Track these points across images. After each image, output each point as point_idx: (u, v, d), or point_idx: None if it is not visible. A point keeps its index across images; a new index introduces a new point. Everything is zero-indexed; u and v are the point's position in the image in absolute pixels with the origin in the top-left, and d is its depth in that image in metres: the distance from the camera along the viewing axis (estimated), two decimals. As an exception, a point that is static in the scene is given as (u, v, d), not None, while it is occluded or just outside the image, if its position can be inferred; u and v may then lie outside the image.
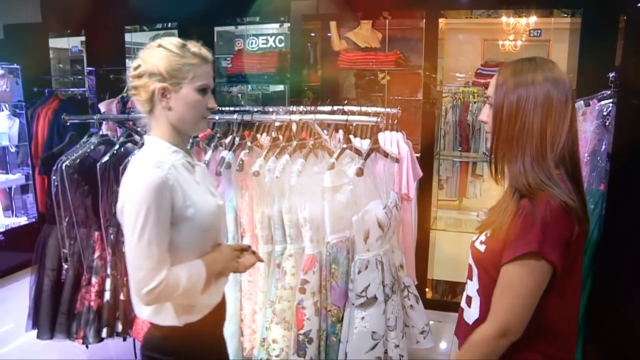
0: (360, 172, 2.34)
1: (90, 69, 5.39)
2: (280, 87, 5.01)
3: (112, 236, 2.94)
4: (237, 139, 2.68)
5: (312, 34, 4.97)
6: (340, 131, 2.83)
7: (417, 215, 3.25)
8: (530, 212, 1.38)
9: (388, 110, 2.92)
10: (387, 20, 5.11)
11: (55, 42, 5.95)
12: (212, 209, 1.76)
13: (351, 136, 2.74)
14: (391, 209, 2.50)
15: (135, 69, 1.69)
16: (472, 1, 4.13)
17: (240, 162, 2.54)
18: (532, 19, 5.90)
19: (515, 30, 6.52)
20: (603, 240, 2.55)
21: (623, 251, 2.50)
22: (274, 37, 5.68)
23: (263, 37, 5.83)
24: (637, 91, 2.38)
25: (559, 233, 1.36)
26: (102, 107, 4.76)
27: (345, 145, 2.49)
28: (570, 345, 1.53)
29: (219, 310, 1.87)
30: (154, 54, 1.67)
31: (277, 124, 2.70)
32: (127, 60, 5.79)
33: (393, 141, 2.87)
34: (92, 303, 2.96)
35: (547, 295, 1.41)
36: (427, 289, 4.33)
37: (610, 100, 2.78)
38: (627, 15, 2.48)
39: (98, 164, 2.83)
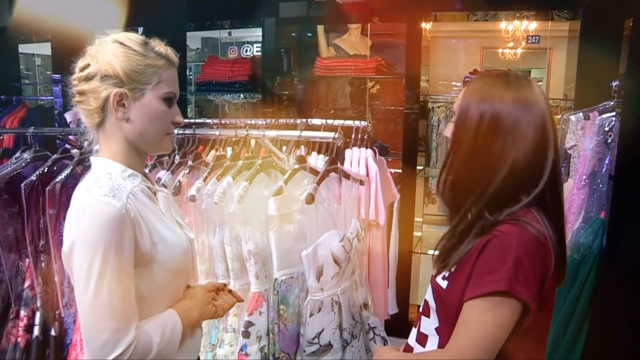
0: (310, 199, 1.98)
1: (56, 76, 5.07)
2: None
3: (43, 264, 2.61)
4: (177, 156, 2.33)
5: (291, 39, 4.67)
6: (303, 147, 2.49)
7: (399, 238, 2.91)
8: (499, 244, 1.22)
9: (356, 123, 2.58)
10: (369, 26, 4.84)
11: (24, 48, 5.70)
12: (184, 245, 1.45)
13: (314, 154, 2.42)
14: (351, 241, 2.15)
15: (82, 69, 1.35)
16: (462, 4, 3.78)
17: (177, 184, 2.19)
18: (532, 25, 5.69)
19: (514, 37, 6.33)
20: (603, 276, 2.25)
21: (626, 289, 2.22)
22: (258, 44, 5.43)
23: (257, 44, 5.58)
24: None
25: (533, 268, 1.20)
26: (68, 116, 4.45)
27: (297, 166, 2.14)
28: None
29: None
30: (109, 51, 1.34)
31: (234, 139, 2.36)
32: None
33: (361, 159, 2.53)
34: (19, 339, 2.63)
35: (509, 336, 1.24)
36: (410, 317, 3.99)
37: (613, 113, 2.50)
38: (634, 18, 2.21)
39: (23, 184, 2.49)
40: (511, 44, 6.66)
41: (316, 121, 2.76)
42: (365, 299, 2.32)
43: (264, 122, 2.67)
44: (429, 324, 1.41)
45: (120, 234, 1.25)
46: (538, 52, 7.01)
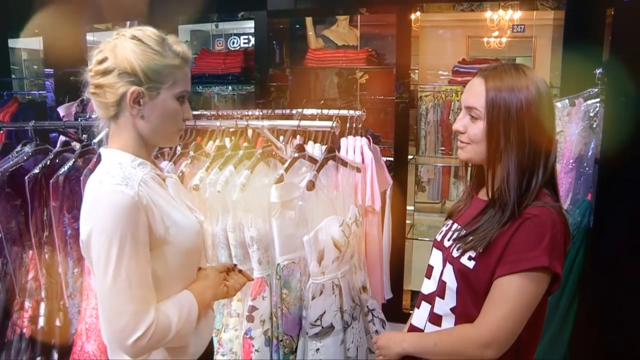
0: (311, 186, 2.05)
1: (48, 70, 5.08)
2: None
3: (47, 255, 2.65)
4: (179, 147, 2.39)
5: (281, 31, 4.71)
6: (299, 137, 2.55)
7: (392, 225, 3.00)
8: (535, 225, 1.32)
9: (351, 112, 2.64)
10: (359, 17, 4.89)
11: (14, 43, 5.68)
12: (195, 227, 1.50)
13: (310, 142, 2.48)
14: (350, 226, 2.23)
15: (100, 62, 1.36)
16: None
17: (180, 174, 2.25)
18: (516, 14, 5.76)
19: (500, 26, 6.40)
20: (591, 256, 2.34)
21: (613, 269, 2.30)
22: (247, 36, 5.46)
23: (245, 36, 5.61)
24: (625, 89, 2.20)
25: (564, 244, 1.34)
26: (61, 110, 4.51)
27: (297, 154, 2.21)
28: None
29: (209, 353, 1.61)
30: (128, 47, 1.35)
31: (231, 129, 2.42)
32: (89, 62, 5.53)
33: (356, 147, 2.60)
34: (24, 330, 2.67)
35: None
36: (403, 303, 4.07)
37: (597, 99, 2.58)
38: (615, 8, 2.30)
39: (26, 177, 2.53)
40: (496, 33, 6.72)
41: (311, 111, 2.81)
42: (363, 282, 2.40)
43: (261, 113, 2.72)
44: (443, 305, 1.47)
45: (134, 220, 1.29)
46: (523, 41, 7.07)
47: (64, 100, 4.56)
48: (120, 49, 1.35)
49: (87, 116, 3.35)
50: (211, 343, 1.64)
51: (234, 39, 5.65)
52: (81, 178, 2.43)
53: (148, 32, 1.37)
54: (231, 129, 2.41)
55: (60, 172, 2.50)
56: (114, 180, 1.32)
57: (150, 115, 1.38)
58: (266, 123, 2.28)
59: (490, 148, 1.40)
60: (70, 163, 2.53)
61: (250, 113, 2.68)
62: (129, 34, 1.36)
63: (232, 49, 5.48)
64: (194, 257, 1.51)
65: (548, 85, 1.40)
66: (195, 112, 2.78)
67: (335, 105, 4.70)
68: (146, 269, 1.32)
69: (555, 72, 3.96)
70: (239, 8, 4.47)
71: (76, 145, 2.72)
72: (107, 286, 1.27)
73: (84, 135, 2.72)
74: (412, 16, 3.87)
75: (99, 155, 1.49)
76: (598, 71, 2.74)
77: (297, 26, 5.05)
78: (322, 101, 4.90)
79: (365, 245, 2.64)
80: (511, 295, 1.31)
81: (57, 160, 2.66)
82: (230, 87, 5.11)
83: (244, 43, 5.54)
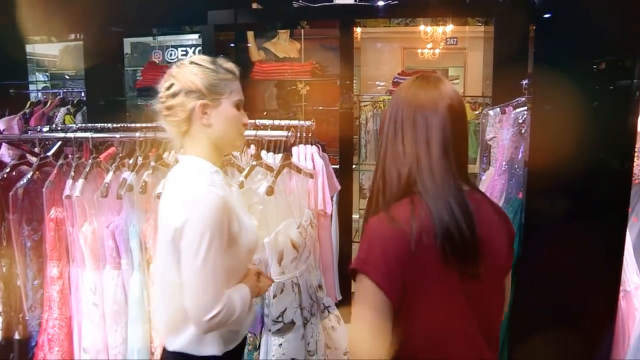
0: (270, 191, 2.20)
1: (-11, 84, 5.01)
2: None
3: (4, 268, 2.67)
4: (140, 158, 2.49)
5: (229, 44, 4.81)
6: (252, 146, 2.69)
7: (339, 229, 3.17)
8: (365, 228, 1.36)
9: (301, 123, 2.80)
10: (302, 31, 5.04)
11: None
12: (254, 231, 1.77)
13: (263, 151, 2.62)
14: (306, 228, 2.38)
15: (168, 88, 1.63)
16: (387, 10, 4.05)
17: (143, 184, 2.35)
18: (449, 28, 6.04)
19: (433, 38, 6.68)
20: (523, 249, 2.53)
21: (543, 261, 2.49)
22: (193, 48, 5.51)
23: (182, 48, 5.65)
24: (549, 98, 2.39)
25: (384, 252, 1.28)
26: (1, 124, 4.43)
27: (255, 162, 2.35)
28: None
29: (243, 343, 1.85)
30: (188, 70, 1.63)
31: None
32: (29, 75, 5.46)
33: (307, 155, 2.76)
34: (-20, 345, 2.68)
35: (395, 318, 1.32)
36: (351, 305, 4.22)
37: (525, 107, 2.79)
38: (536, 25, 2.49)
39: (-17, 191, 2.56)
40: (430, 45, 7.00)
41: (263, 121, 2.94)
42: (319, 281, 2.55)
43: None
44: None
45: (222, 217, 1.54)
46: (456, 53, 7.39)
47: (4, 113, 4.49)
48: (182, 73, 1.63)
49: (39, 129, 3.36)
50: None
51: (172, 50, 5.69)
52: (43, 190, 2.48)
53: (202, 57, 1.67)
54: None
55: (20, 185, 2.54)
56: (205, 182, 1.58)
57: (216, 122, 1.64)
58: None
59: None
60: (29, 175, 2.57)
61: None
62: (187, 61, 1.66)
63: (170, 61, 5.51)
64: (251, 256, 1.81)
65: (420, 103, 1.39)
66: (152, 125, 2.86)
67: (277, 116, 4.81)
68: (225, 261, 1.56)
69: (487, 82, 4.21)
70: (180, 22, 4.55)
71: (32, 159, 2.75)
72: (196, 269, 1.51)
73: (36, 149, 2.76)
74: (355, 30, 4.05)
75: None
76: (524, 82, 2.95)
77: (239, 39, 5.16)
78: (265, 112, 5.01)
79: (320, 247, 2.80)
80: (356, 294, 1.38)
81: (13, 173, 2.70)
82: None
83: (182, 55, 5.59)
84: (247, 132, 2.46)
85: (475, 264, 1.34)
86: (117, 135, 2.56)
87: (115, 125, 2.87)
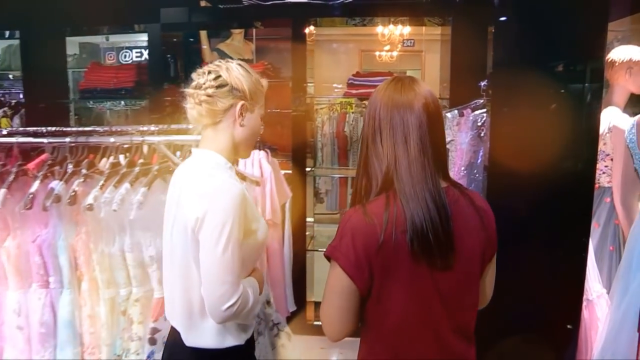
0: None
1: None
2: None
3: None
4: (70, 165, 2.28)
5: (181, 45, 4.62)
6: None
7: (292, 237, 3.01)
8: (342, 217, 1.46)
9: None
10: (254, 31, 4.89)
11: None
12: (266, 226, 1.83)
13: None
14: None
15: (216, 79, 1.69)
16: (342, 9, 3.93)
17: (72, 194, 2.15)
18: (406, 30, 5.99)
19: (390, 40, 6.64)
20: None
21: (503, 267, 2.41)
22: (148, 50, 5.29)
23: (137, 50, 5.43)
24: (508, 100, 2.35)
25: (354, 243, 1.38)
26: None
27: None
28: (390, 346, 1.48)
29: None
30: (237, 71, 1.71)
31: (125, 145, 2.33)
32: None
33: (255, 161, 2.60)
34: None
35: (367, 300, 1.44)
36: (307, 315, 4.09)
37: (484, 109, 2.72)
38: (494, 26, 2.46)
39: None
40: (387, 47, 6.96)
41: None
42: (267, 296, 2.39)
43: (157, 128, 2.65)
44: None
45: (241, 209, 1.59)
46: (413, 55, 7.39)
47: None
48: (232, 71, 1.70)
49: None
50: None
51: (126, 52, 5.47)
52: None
53: (245, 65, 1.76)
54: (125, 145, 2.33)
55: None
56: (225, 175, 1.66)
57: (247, 124, 1.73)
58: (162, 138, 2.22)
59: None
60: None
61: (145, 128, 2.59)
62: (235, 63, 1.74)
63: (125, 62, 5.30)
64: (263, 249, 1.89)
65: (387, 104, 1.46)
66: (87, 128, 2.66)
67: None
68: (240, 252, 1.59)
69: (444, 85, 4.14)
70: (131, 21, 4.33)
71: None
72: (216, 258, 1.55)
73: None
74: (307, 30, 3.92)
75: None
76: (482, 83, 2.89)
77: (192, 40, 4.97)
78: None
79: (268, 259, 2.64)
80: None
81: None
82: (123, 102, 4.94)
83: (137, 57, 5.37)
84: (189, 137, 2.29)
85: (447, 259, 1.41)
86: (45, 140, 2.33)
87: (50, 129, 2.64)
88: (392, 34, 6.31)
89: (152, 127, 2.64)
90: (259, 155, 2.63)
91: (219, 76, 1.69)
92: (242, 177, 2.29)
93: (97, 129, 2.70)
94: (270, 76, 4.19)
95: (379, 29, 6.07)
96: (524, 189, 2.32)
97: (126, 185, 2.12)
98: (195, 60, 4.74)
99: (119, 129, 2.62)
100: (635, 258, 2.53)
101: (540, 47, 2.32)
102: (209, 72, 1.71)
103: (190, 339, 1.68)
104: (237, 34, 5.06)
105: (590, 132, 2.33)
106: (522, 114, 2.32)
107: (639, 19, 3.51)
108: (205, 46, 4.92)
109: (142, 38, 4.97)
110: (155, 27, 4.01)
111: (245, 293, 1.60)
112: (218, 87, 1.68)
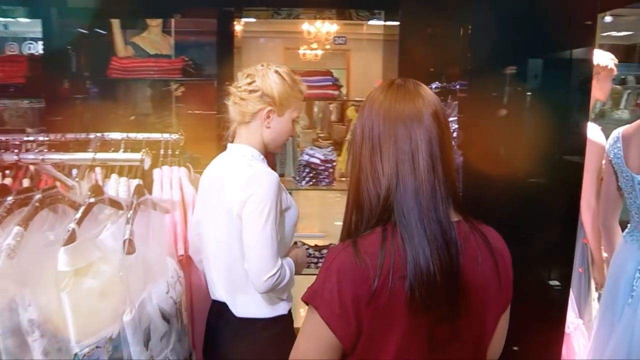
0: (131, 248, 1.50)
1: None
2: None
3: None
4: None
5: (80, 36, 3.99)
6: (98, 170, 1.97)
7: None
8: (327, 254, 1.25)
9: (165, 136, 2.13)
10: (172, 23, 4.35)
11: None
12: (297, 207, 1.97)
13: (114, 176, 1.92)
14: (174, 287, 1.71)
15: (250, 83, 1.88)
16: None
17: None
18: (333, 28, 5.74)
19: (317, 38, 6.38)
20: None
21: None
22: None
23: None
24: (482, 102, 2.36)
25: (340, 290, 1.15)
26: None
27: (93, 199, 1.63)
28: None
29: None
30: (271, 77, 1.88)
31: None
32: None
33: (174, 180, 2.09)
34: None
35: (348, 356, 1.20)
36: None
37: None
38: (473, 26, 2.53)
39: None
40: (315, 45, 6.81)
41: (114, 135, 2.24)
42: (189, 349, 1.89)
43: (46, 138, 2.09)
44: None
45: (278, 193, 1.79)
46: (338, 54, 7.29)
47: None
48: (266, 77, 1.88)
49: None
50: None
51: (30, 44, 4.77)
52: None
53: (285, 70, 1.93)
54: None
55: None
56: (261, 165, 1.88)
57: (274, 127, 1.92)
58: (48, 157, 1.66)
59: None
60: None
61: (29, 139, 2.02)
62: (272, 69, 1.89)
63: (11, 53, 4.59)
64: (294, 230, 1.98)
65: (385, 112, 1.23)
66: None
67: (148, 121, 4.11)
68: (276, 229, 1.78)
69: (372, 85, 3.84)
70: (27, 4, 3.70)
71: None
72: (259, 234, 1.73)
73: None
74: (236, 23, 3.47)
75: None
76: (434, 85, 2.84)
77: (102, 31, 4.34)
78: (133, 117, 4.25)
79: (191, 299, 2.15)
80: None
81: None
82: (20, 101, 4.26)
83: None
84: (84, 155, 1.75)
85: (453, 311, 1.18)
86: None
87: None
88: (318, 32, 6.14)
89: (40, 137, 2.06)
90: (178, 173, 2.12)
91: (254, 82, 1.87)
92: (153, 204, 1.79)
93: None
94: (190, 74, 3.73)
95: (305, 26, 5.82)
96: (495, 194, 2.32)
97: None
98: (107, 55, 4.13)
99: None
100: (621, 289, 2.28)
101: (493, 52, 2.30)
102: (247, 76, 1.90)
103: (241, 310, 1.86)
104: (154, 26, 4.49)
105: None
106: (485, 119, 2.29)
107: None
108: (118, 39, 4.32)
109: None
110: (51, 12, 3.39)
111: (283, 268, 1.78)
112: (251, 92, 1.86)
